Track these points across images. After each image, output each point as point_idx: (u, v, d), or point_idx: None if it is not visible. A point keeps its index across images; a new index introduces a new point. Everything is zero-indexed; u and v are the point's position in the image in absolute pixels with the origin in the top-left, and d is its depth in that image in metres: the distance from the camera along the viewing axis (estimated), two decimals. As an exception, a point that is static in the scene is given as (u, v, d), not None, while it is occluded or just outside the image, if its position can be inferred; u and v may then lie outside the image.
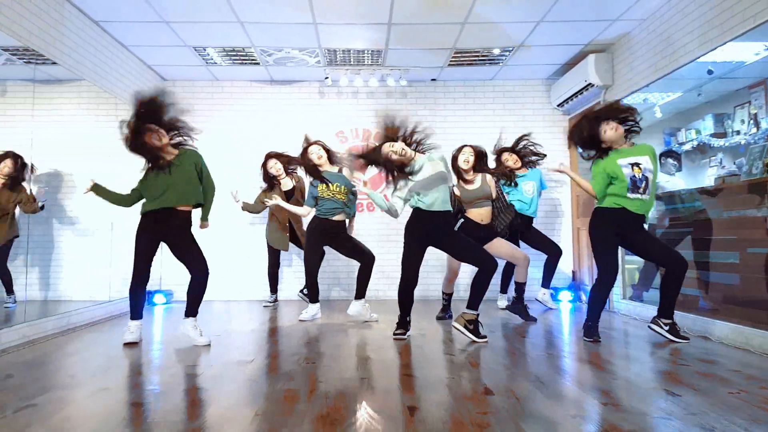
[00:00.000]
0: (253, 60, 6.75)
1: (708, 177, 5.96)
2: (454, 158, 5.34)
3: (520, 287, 5.63)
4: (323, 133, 7.38)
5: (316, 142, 5.62)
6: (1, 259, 5.03)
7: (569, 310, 6.68)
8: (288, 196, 6.39)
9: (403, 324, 4.61)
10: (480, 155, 5.33)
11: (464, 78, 7.59)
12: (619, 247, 4.61)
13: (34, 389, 2.99)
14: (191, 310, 4.39)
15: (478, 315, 4.41)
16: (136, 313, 4.38)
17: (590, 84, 6.46)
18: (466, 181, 5.27)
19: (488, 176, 5.37)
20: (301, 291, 6.75)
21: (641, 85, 5.85)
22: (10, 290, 5.05)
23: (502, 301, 6.55)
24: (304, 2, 5.23)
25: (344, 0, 5.23)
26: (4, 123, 5.17)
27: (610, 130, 4.41)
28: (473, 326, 4.38)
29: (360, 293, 5.49)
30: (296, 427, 2.34)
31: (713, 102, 6.21)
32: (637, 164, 4.38)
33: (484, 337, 4.39)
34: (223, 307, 6.65)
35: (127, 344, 4.29)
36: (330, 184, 5.43)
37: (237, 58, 6.70)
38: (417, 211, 4.46)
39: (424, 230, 4.44)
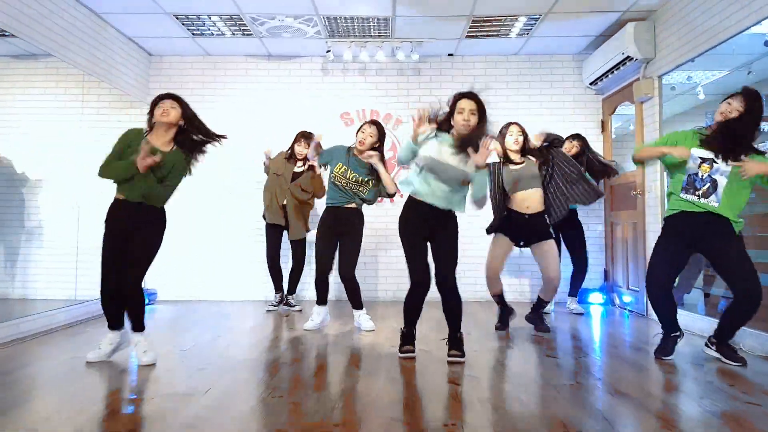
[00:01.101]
0: (245, 30, 5.99)
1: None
2: (501, 136, 4.59)
3: (542, 303, 4.87)
4: (327, 114, 6.62)
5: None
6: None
7: (600, 314, 5.88)
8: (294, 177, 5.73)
9: (411, 338, 3.85)
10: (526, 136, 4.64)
11: (485, 52, 6.75)
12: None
13: None
14: (137, 325, 3.65)
15: None
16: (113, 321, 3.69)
17: (628, 57, 5.58)
18: (512, 162, 4.57)
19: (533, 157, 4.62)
20: (286, 299, 5.97)
21: (688, 57, 4.98)
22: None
23: (574, 304, 5.82)
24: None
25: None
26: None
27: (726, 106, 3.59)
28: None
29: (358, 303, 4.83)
30: None
31: (766, 81, 5.37)
32: (712, 162, 3.53)
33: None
34: (216, 311, 5.94)
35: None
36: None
37: (226, 27, 5.94)
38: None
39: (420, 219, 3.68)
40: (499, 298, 4.79)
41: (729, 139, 3.47)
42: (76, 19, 5.27)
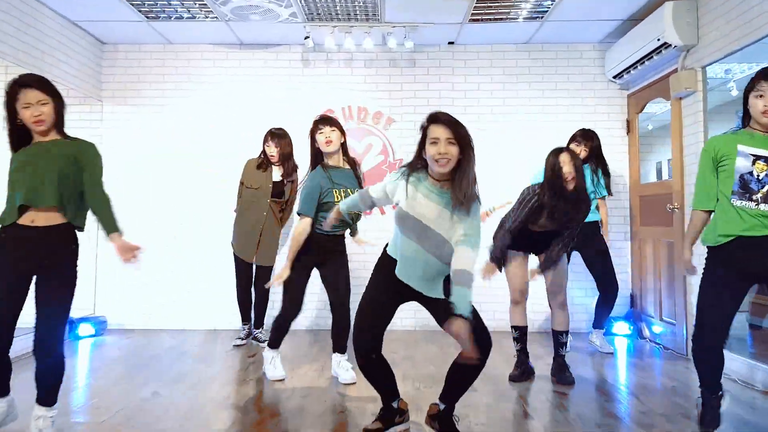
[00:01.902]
0: (207, 11, 5.04)
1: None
2: (554, 166, 3.56)
3: (559, 340, 3.94)
4: (307, 111, 5.61)
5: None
6: None
7: (626, 348, 4.96)
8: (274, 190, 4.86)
9: (389, 413, 2.87)
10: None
11: (491, 40, 5.78)
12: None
13: None
14: (43, 395, 2.73)
15: None
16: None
17: (665, 44, 4.63)
18: None
19: None
20: (254, 333, 5.05)
21: (741, 45, 4.04)
22: None
23: (598, 340, 4.89)
24: None
25: None
26: None
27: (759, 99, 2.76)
28: None
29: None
30: None
31: None
32: (766, 159, 2.73)
33: None
34: (175, 346, 5.02)
35: None
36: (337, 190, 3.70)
37: (183, 8, 4.99)
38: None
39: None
40: (522, 338, 3.91)
41: None
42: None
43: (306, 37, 5.37)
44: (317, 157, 3.76)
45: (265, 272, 4.83)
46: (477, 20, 5.23)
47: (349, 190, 3.66)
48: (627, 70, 5.32)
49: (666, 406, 3.37)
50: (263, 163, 4.84)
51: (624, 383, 3.91)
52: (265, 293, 4.85)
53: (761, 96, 2.72)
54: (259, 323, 4.95)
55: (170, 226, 5.74)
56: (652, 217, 5.26)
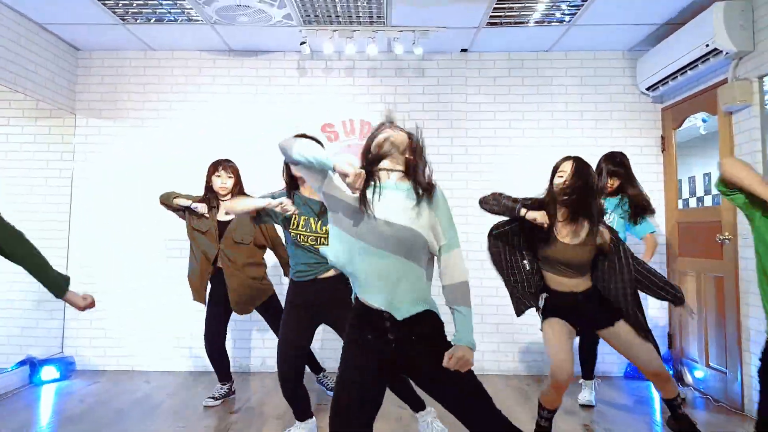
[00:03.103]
0: (188, 12, 4.45)
1: None
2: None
3: (672, 404, 3.23)
4: (304, 125, 4.99)
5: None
6: None
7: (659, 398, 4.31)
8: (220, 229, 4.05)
9: None
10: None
11: (509, 47, 5.18)
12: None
13: None
14: None
15: None
16: None
17: (714, 50, 4.02)
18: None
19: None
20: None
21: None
22: None
23: (587, 393, 4.16)
24: None
25: None
26: None
27: None
28: None
29: None
30: None
31: None
32: None
33: None
34: (145, 394, 4.38)
35: None
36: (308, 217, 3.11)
37: (163, 9, 4.40)
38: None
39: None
40: (550, 420, 3.20)
41: None
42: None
43: (302, 43, 4.77)
44: (291, 183, 3.16)
45: None
46: (495, 24, 4.63)
47: (311, 219, 3.05)
48: (664, 80, 4.72)
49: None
50: (207, 198, 4.06)
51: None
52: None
53: None
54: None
55: (148, 254, 5.12)
56: (695, 248, 4.63)
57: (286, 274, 3.96)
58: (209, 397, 4.07)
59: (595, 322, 3.09)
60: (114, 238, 5.11)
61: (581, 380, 4.20)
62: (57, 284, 2.54)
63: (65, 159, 5.16)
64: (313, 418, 3.30)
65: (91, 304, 2.65)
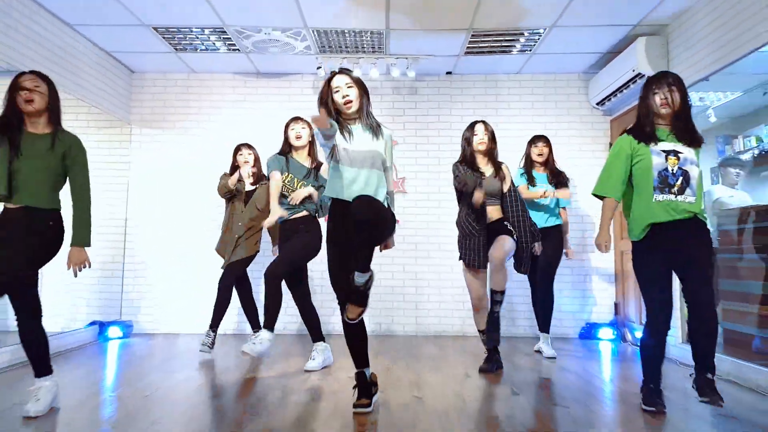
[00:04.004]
0: (230, 44, 5.63)
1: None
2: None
3: (493, 297, 4.20)
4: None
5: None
6: None
7: (611, 350, 5.42)
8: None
9: (366, 389, 3.20)
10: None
11: (485, 71, 6.38)
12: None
13: None
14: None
15: None
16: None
17: (639, 74, 5.20)
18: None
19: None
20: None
21: (704, 75, 4.63)
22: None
23: (546, 347, 5.10)
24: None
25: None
26: None
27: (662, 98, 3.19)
28: None
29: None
30: None
31: None
32: (675, 153, 3.14)
33: None
34: (196, 346, 5.49)
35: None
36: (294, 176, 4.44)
37: (210, 42, 5.58)
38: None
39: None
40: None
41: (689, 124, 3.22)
42: (44, 29, 4.89)
43: (318, 67, 5.95)
44: (288, 149, 4.50)
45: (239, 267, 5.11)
46: (472, 52, 5.82)
47: (295, 179, 4.37)
48: (608, 97, 5.89)
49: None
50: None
51: (608, 378, 4.39)
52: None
53: (656, 93, 3.16)
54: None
55: (191, 241, 6.25)
56: (632, 231, 5.78)
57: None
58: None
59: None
60: (163, 225, 6.25)
61: (539, 332, 5.28)
62: (80, 237, 3.11)
63: (123, 161, 6.33)
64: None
65: (78, 265, 3.11)
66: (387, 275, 6.13)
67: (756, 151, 5.58)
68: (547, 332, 5.12)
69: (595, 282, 6.22)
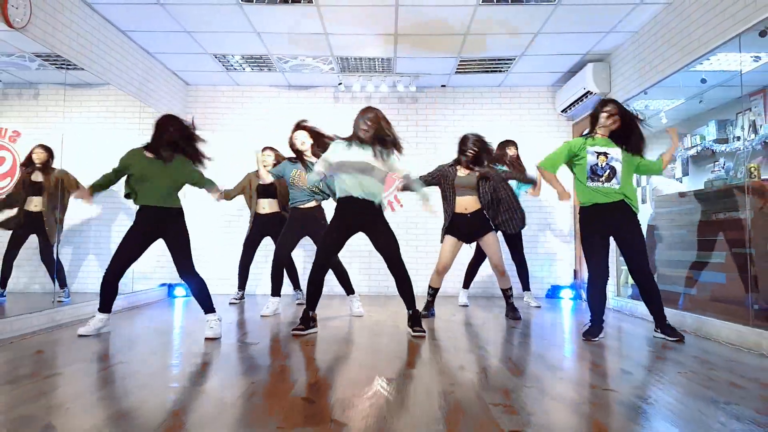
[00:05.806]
0: (270, 67, 7.17)
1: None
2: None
3: (506, 295, 5.62)
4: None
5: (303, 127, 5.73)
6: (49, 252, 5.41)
7: (570, 308, 6.94)
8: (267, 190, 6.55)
9: (306, 319, 4.51)
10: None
11: (472, 84, 7.91)
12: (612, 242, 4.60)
13: (61, 361, 3.43)
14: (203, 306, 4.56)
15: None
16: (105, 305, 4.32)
17: (589, 92, 6.73)
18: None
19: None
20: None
21: (633, 94, 6.12)
22: (63, 284, 5.51)
23: (464, 298, 6.53)
24: (314, 13, 5.61)
25: (350, 13, 5.60)
26: (38, 122, 5.62)
27: (606, 119, 4.45)
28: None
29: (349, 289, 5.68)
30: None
31: (717, 108, 6.35)
32: (605, 154, 4.42)
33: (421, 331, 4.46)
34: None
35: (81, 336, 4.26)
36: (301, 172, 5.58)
37: (255, 65, 7.12)
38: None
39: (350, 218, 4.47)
40: (434, 294, 5.63)
41: (634, 135, 4.46)
42: (129, 55, 6.38)
43: (339, 83, 7.50)
44: (298, 155, 5.68)
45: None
46: (462, 72, 7.35)
47: (302, 174, 5.50)
48: (569, 107, 7.42)
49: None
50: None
51: (560, 326, 5.95)
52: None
53: (603, 112, 4.40)
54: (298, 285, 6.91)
55: (243, 217, 7.79)
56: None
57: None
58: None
59: (476, 232, 5.47)
60: (216, 212, 7.78)
61: (523, 291, 6.78)
62: (95, 186, 4.41)
63: (181, 157, 7.85)
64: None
65: (80, 195, 4.42)
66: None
67: (699, 148, 6.93)
68: (529, 290, 6.64)
69: (558, 254, 7.76)
